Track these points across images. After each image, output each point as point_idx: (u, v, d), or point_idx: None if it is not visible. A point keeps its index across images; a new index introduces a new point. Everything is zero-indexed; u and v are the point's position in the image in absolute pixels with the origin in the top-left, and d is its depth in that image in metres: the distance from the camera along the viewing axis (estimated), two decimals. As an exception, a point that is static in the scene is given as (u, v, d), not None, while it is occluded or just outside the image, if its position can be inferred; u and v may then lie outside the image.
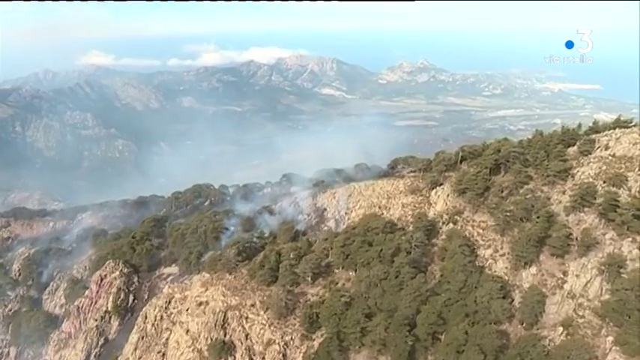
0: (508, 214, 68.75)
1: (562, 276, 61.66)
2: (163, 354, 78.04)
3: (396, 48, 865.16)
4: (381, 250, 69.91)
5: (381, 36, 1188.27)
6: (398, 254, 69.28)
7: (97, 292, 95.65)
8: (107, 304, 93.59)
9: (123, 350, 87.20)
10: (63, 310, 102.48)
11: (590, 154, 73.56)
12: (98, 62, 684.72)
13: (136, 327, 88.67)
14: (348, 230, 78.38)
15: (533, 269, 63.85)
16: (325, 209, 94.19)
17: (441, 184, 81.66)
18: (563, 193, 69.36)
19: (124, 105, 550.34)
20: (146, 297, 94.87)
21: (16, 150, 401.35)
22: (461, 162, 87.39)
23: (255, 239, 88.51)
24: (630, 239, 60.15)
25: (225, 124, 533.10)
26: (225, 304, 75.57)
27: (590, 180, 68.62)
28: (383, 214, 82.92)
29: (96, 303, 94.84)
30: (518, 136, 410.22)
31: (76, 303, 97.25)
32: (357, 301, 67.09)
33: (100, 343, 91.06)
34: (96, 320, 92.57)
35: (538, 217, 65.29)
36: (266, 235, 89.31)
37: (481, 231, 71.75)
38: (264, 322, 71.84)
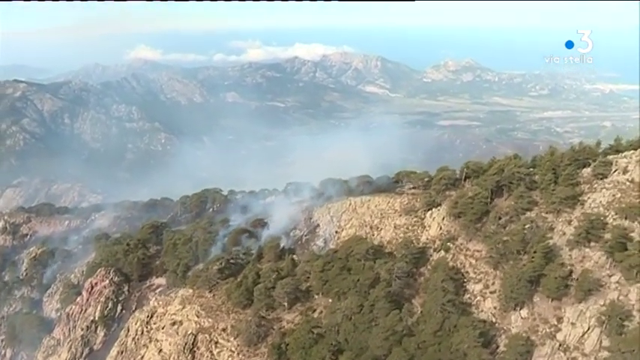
0: (503, 245, 60.91)
1: (556, 323, 53.48)
2: (135, 373, 74.65)
3: (442, 46, 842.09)
4: (358, 279, 63.51)
5: (426, 34, 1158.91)
6: (377, 285, 62.69)
7: (87, 299, 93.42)
8: (95, 313, 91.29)
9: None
10: (58, 314, 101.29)
11: (606, 177, 64.48)
12: (146, 57, 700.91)
13: (117, 340, 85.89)
14: (330, 253, 72.21)
15: (524, 312, 55.92)
16: (318, 225, 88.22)
17: (439, 205, 74.07)
18: (569, 223, 60.77)
19: (168, 99, 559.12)
20: (134, 308, 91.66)
21: (64, 141, 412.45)
22: (465, 180, 79.50)
23: (241, 255, 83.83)
24: (639, 285, 51.46)
25: (268, 120, 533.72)
26: (197, 326, 71.10)
27: (601, 210, 59.84)
28: (374, 235, 76.29)
29: (85, 311, 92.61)
30: (564, 138, 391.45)
31: (67, 309, 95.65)
32: (328, 335, 61.16)
33: (84, 353, 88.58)
34: (82, 329, 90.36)
35: (535, 252, 57.18)
36: (252, 251, 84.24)
37: (474, 262, 64.10)
38: (233, 348, 66.86)
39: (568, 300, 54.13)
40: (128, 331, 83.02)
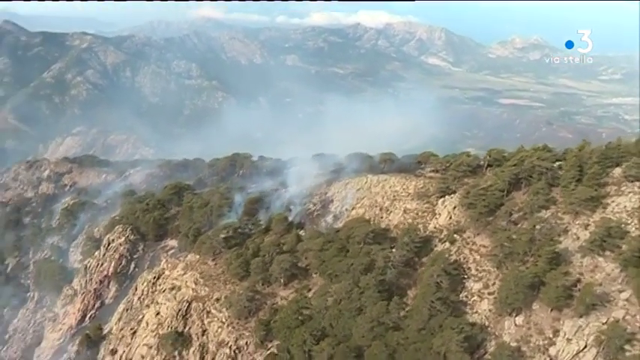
0: (510, 243, 56.32)
1: (551, 335, 48.89)
2: (134, 332, 75.60)
3: (510, 22, 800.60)
4: (352, 263, 60.72)
5: (495, 8, 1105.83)
6: (370, 271, 59.76)
7: (104, 254, 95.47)
8: (109, 268, 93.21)
9: (111, 317, 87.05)
10: (79, 266, 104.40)
11: (639, 181, 58.02)
12: (210, 15, 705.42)
13: (125, 297, 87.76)
14: (331, 232, 69.69)
15: (520, 319, 51.56)
16: (332, 201, 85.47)
17: (453, 193, 69.50)
18: (586, 227, 55.23)
19: (228, 58, 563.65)
20: (146, 267, 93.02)
21: (124, 94, 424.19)
22: (486, 168, 74.22)
23: (250, 225, 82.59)
24: (651, 306, 46.17)
25: (326, 85, 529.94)
26: (194, 293, 70.98)
27: (624, 216, 53.98)
28: (382, 217, 72.86)
29: (101, 265, 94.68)
30: (633, 127, 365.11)
31: (85, 262, 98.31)
32: (315, 318, 59.16)
33: (96, 305, 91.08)
34: (96, 283, 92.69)
35: (539, 256, 52.43)
36: (261, 221, 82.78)
37: (478, 258, 59.77)
38: (223, 319, 66.22)
39: (569, 312, 49.37)
40: (136, 289, 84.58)
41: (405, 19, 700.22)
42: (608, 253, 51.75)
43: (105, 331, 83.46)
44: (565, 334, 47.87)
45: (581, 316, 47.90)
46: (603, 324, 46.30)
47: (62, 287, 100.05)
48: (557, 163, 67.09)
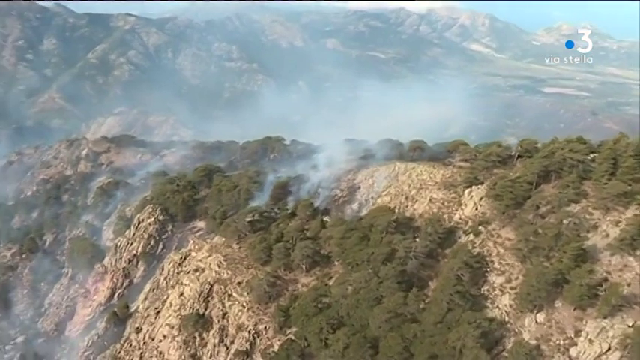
0: (535, 237, 54.45)
1: (573, 335, 47.25)
2: (159, 311, 77.17)
3: (558, 9, 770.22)
4: (373, 252, 60.00)
5: None
6: (391, 261, 58.92)
7: (134, 234, 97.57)
8: (138, 248, 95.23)
9: (138, 296, 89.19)
10: (111, 244, 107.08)
11: (679, 177, 55.06)
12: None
13: (153, 277, 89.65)
14: (354, 220, 69.06)
15: (541, 316, 49.98)
16: (359, 188, 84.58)
17: (481, 183, 67.60)
18: (616, 224, 52.86)
19: (269, 41, 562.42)
20: (174, 247, 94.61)
21: (165, 75, 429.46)
22: (517, 159, 71.81)
23: (276, 210, 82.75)
24: (680, 309, 43.94)
25: (367, 70, 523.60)
26: (216, 276, 71.79)
27: (658, 214, 51.37)
28: (407, 206, 71.67)
29: (131, 244, 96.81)
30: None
31: (116, 241, 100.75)
32: (333, 307, 58.92)
33: (124, 284, 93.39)
34: (125, 262, 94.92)
35: (564, 252, 50.48)
36: (287, 206, 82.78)
37: (502, 251, 58.08)
38: (244, 303, 66.89)
39: (592, 312, 47.48)
40: (162, 269, 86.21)
41: (449, 5, 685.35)
42: (639, 252, 49.46)
43: (132, 310, 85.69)
44: (587, 335, 46.18)
45: (605, 317, 46.09)
46: (629, 327, 44.47)
47: (94, 264, 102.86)
48: (592, 156, 64.33)
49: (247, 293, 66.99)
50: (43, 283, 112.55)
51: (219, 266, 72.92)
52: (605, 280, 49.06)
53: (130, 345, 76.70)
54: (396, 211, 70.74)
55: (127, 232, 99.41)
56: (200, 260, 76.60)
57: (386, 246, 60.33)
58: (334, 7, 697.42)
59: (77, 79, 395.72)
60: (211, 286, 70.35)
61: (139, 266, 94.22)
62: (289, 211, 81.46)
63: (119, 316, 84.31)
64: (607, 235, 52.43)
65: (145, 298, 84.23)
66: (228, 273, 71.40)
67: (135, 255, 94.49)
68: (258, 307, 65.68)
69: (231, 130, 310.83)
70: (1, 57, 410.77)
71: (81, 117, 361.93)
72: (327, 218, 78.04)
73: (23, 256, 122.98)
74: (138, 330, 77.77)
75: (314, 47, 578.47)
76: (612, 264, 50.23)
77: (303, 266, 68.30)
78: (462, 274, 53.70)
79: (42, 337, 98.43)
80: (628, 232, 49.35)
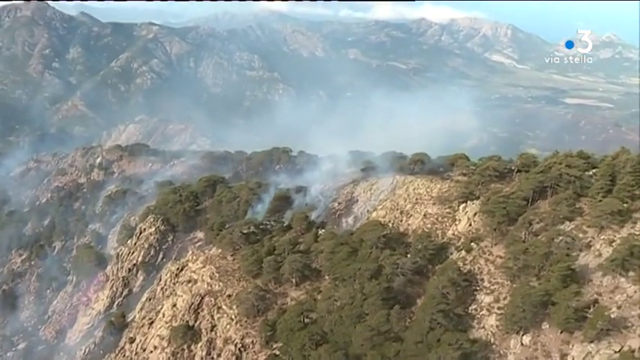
0: (525, 255, 52.55)
1: (558, 359, 45.31)
2: (152, 322, 76.86)
3: (583, 19, 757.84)
4: (360, 268, 58.73)
5: (565, 5, 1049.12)
6: (377, 277, 57.57)
7: (135, 243, 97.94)
8: (138, 257, 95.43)
9: (136, 306, 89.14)
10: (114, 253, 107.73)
11: (679, 195, 52.67)
12: (274, 7, 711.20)
13: (150, 287, 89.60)
14: (345, 235, 67.86)
15: (527, 338, 47.93)
16: (357, 201, 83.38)
17: (477, 198, 65.88)
18: (610, 243, 50.61)
19: (290, 50, 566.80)
20: (173, 258, 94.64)
21: (187, 84, 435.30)
22: (517, 173, 69.86)
23: (272, 222, 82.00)
24: (670, 336, 41.65)
25: (388, 80, 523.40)
26: (208, 288, 71.20)
27: (655, 233, 49.06)
28: (402, 221, 70.23)
29: (132, 254, 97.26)
30: None
31: (117, 250, 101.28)
32: (317, 322, 57.77)
33: (123, 293, 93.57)
34: (126, 271, 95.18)
35: (552, 272, 48.55)
36: (284, 219, 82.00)
37: (493, 269, 56.29)
38: (233, 317, 66.01)
39: (580, 335, 45.40)
40: (160, 279, 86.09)
41: (471, 15, 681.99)
42: (632, 273, 47.25)
43: (129, 319, 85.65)
44: (573, 359, 44.08)
45: (591, 341, 43.92)
46: (616, 352, 42.27)
47: (97, 273, 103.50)
48: (594, 171, 62.13)
49: (236, 306, 66.17)
50: (48, 290, 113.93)
51: (211, 278, 72.32)
52: (596, 302, 46.87)
53: (124, 355, 76.38)
54: (390, 225, 69.48)
55: (129, 241, 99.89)
56: (194, 271, 76.08)
57: (373, 262, 58.98)
58: (355, 17, 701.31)
59: (100, 87, 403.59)
60: (202, 298, 69.72)
61: (138, 276, 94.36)
62: (285, 224, 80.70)
63: (116, 325, 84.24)
64: (600, 255, 50.23)
65: (142, 308, 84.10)
66: (219, 285, 70.73)
67: (135, 264, 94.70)
68: (246, 321, 64.75)
69: (249, 138, 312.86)
70: (29, 65, 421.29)
71: (102, 124, 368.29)
72: (322, 231, 77.01)
73: (32, 262, 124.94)
74: (132, 340, 77.34)
75: (335, 57, 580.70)
76: (604, 285, 48.03)
77: (294, 280, 67.28)
78: (447, 293, 52.05)
79: (43, 345, 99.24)
80: (619, 252, 47.13)
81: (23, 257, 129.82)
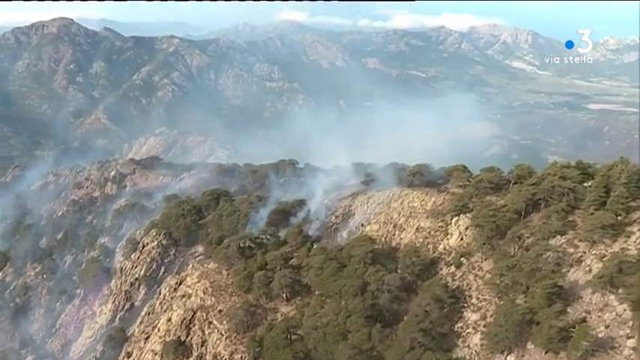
0: (513, 272, 50.79)
1: (542, 381, 43.42)
2: (148, 336, 76.91)
3: (605, 23, 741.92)
4: (345, 284, 57.61)
5: (587, 9, 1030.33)
6: (362, 294, 56.37)
7: (138, 257, 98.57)
8: (141, 271, 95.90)
9: (136, 320, 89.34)
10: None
11: (676, 208, 50.30)
12: (293, 18, 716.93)
13: (150, 301, 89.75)
14: (334, 250, 66.78)
15: (511, 358, 46.23)
16: (354, 214, 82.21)
17: (470, 211, 64.14)
18: (601, 259, 48.53)
19: (310, 61, 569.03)
20: (175, 272, 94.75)
21: (207, 96, 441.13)
22: (514, 184, 67.85)
23: (267, 236, 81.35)
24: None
25: (408, 89, 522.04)
26: (200, 303, 70.84)
27: (647, 249, 46.84)
28: (394, 235, 68.91)
29: (135, 268, 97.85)
30: None
31: (121, 264, 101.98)
32: (303, 339, 56.77)
33: (125, 307, 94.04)
34: (128, 285, 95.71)
35: (537, 289, 46.72)
36: (280, 233, 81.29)
37: (482, 285, 54.56)
38: (223, 332, 65.41)
39: (565, 355, 43.45)
40: (159, 294, 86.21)
41: (490, 22, 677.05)
42: (622, 291, 45.12)
43: (129, 333, 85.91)
44: (556, 382, 42.20)
45: (577, 363, 41.96)
46: (600, 375, 40.28)
47: (102, 286, 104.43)
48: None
49: (226, 322, 65.59)
50: (58, 304, 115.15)
51: (204, 293, 71.94)
52: (584, 320, 44.94)
53: (121, 369, 76.86)
54: (383, 239, 68.41)
55: (132, 255, 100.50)
56: (189, 286, 75.90)
57: (359, 278, 57.74)
58: (374, 27, 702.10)
59: (122, 100, 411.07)
60: (194, 312, 69.41)
61: (140, 290, 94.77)
62: (281, 238, 79.99)
63: (115, 339, 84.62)
64: (590, 271, 48.16)
65: (141, 322, 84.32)
66: (212, 300, 70.29)
67: (137, 278, 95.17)
68: (235, 337, 64.04)
69: (269, 149, 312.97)
70: (54, 81, 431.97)
71: (124, 137, 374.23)
72: (315, 246, 76.04)
73: (44, 276, 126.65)
74: (129, 355, 77.83)
75: (355, 67, 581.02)
76: (593, 303, 45.95)
77: (284, 295, 66.45)
78: (429, 310, 50.54)
79: (49, 358, 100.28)
80: (607, 269, 45.11)
81: (37, 270, 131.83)
